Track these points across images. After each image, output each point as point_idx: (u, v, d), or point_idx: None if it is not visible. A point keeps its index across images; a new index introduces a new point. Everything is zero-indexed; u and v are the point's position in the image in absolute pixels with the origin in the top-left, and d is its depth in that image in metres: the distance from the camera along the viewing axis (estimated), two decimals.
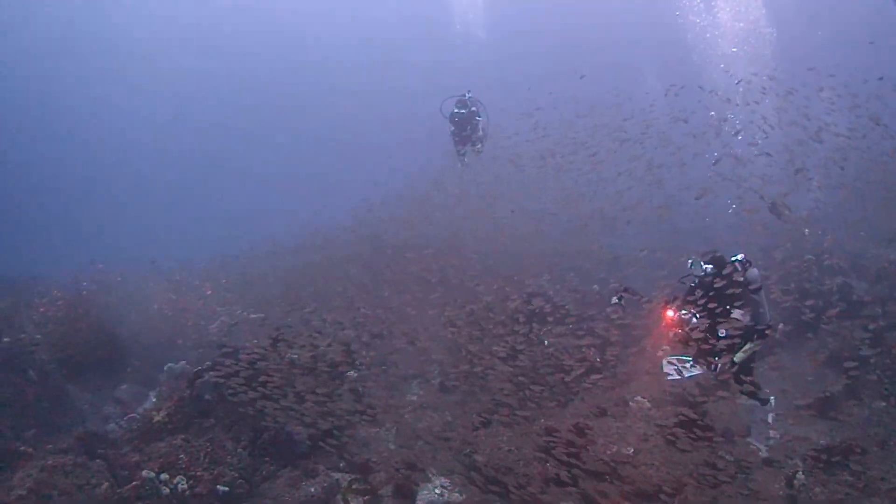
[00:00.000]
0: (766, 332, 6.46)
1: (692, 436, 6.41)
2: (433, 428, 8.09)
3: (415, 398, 9.26)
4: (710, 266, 6.59)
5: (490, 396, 8.10)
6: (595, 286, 11.75)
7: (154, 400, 9.19)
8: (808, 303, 9.37)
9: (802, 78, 12.48)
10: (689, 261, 6.73)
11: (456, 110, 13.27)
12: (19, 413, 8.56)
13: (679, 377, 6.75)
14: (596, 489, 6.17)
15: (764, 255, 11.34)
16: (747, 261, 6.52)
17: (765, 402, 6.88)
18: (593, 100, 15.05)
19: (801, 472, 6.42)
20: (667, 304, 6.91)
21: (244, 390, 7.25)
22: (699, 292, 6.57)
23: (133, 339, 10.73)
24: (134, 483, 6.49)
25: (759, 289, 6.50)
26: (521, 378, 8.04)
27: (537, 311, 9.21)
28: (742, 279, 6.36)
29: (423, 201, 15.18)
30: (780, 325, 9.55)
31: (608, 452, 6.73)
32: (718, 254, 6.65)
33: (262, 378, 7.46)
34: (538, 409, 7.75)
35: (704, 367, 6.59)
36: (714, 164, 12.00)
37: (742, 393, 6.74)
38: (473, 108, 13.35)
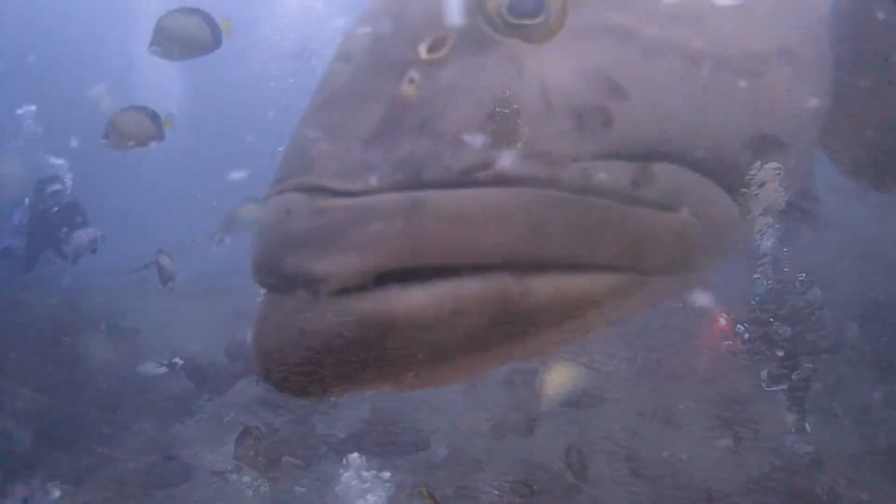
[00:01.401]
0: (827, 355, 6.68)
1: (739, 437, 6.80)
2: (481, 427, 8.40)
3: (459, 398, 9.54)
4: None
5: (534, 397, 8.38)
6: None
7: (208, 398, 9.36)
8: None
9: None
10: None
11: None
12: (78, 412, 8.71)
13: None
14: (653, 491, 6.57)
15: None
16: (809, 280, 6.72)
17: (801, 430, 6.94)
18: None
19: (843, 478, 6.84)
20: (720, 315, 7.19)
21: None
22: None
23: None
24: (214, 485, 6.76)
25: (821, 309, 6.69)
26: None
27: None
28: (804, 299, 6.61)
29: None
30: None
31: (662, 455, 7.16)
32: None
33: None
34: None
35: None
36: None
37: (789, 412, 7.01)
38: None
